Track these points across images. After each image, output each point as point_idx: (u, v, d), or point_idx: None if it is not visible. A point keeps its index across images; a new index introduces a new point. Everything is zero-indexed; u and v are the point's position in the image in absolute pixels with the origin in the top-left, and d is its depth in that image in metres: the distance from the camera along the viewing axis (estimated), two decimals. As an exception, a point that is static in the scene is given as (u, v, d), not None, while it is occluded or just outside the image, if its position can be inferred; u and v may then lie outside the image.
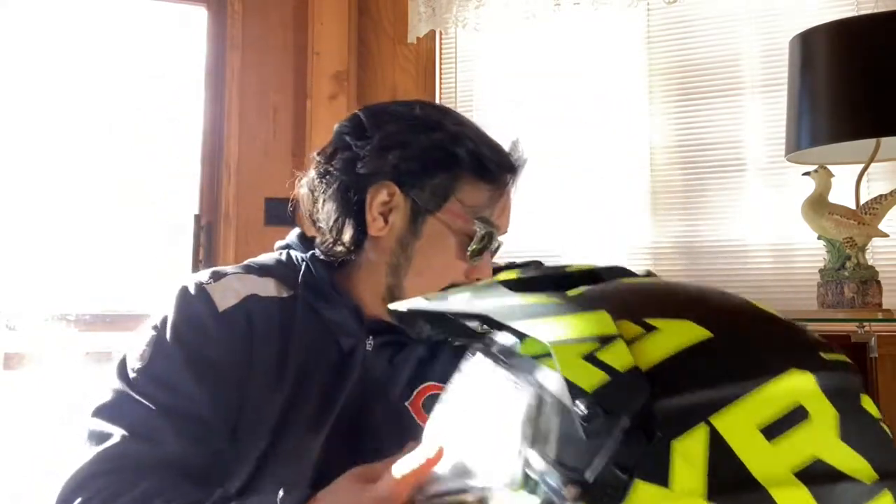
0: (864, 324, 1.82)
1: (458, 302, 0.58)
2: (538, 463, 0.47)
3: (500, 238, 0.98)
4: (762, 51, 2.25)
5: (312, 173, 0.98)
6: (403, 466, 0.61)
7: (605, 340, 0.47)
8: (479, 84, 2.56)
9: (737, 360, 0.47)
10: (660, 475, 0.44)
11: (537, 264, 2.18)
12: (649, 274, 0.61)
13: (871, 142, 1.79)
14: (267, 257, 1.02)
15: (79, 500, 0.80)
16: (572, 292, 0.54)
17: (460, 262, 0.95)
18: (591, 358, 0.46)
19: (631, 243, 2.33)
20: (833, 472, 0.45)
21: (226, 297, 0.91)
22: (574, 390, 0.45)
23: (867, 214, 1.79)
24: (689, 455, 0.44)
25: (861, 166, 1.84)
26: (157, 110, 2.68)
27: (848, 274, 1.79)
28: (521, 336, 0.53)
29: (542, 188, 2.32)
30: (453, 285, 0.95)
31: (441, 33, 2.59)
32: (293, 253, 1.00)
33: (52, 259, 2.53)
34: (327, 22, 2.55)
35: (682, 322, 0.49)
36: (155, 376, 0.86)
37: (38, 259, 2.52)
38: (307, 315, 0.94)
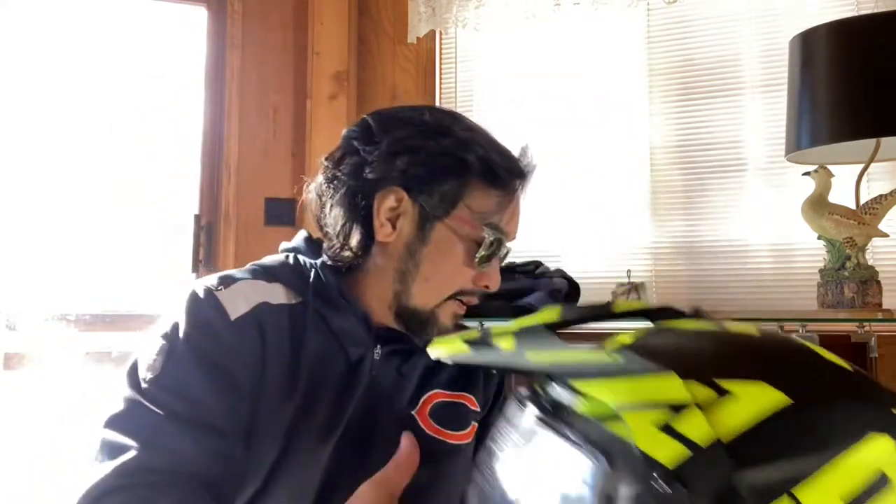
0: (864, 324, 1.83)
1: (507, 355, 0.56)
2: None
3: (509, 244, 0.97)
4: (762, 51, 2.26)
5: (320, 178, 0.97)
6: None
7: (677, 408, 0.45)
8: (479, 84, 2.56)
9: (816, 428, 0.46)
10: None
11: (537, 265, 2.17)
12: (698, 312, 0.59)
13: (871, 142, 1.80)
14: (273, 260, 1.00)
15: None
16: (623, 338, 0.52)
17: (468, 269, 0.94)
18: (667, 429, 0.44)
19: (631, 243, 2.34)
20: None
21: (236, 305, 0.90)
22: (651, 464, 0.43)
23: (867, 214, 1.80)
24: None
25: (861, 166, 1.85)
26: (157, 110, 2.67)
27: (848, 274, 1.79)
28: (578, 392, 0.51)
29: (542, 188, 2.31)
30: (462, 292, 0.96)
31: (441, 33, 2.59)
32: (301, 258, 0.99)
33: (52, 259, 2.53)
34: (327, 22, 2.55)
35: (757, 385, 0.47)
36: (168, 385, 0.84)
37: (39, 259, 2.52)
38: (316, 323, 0.93)
